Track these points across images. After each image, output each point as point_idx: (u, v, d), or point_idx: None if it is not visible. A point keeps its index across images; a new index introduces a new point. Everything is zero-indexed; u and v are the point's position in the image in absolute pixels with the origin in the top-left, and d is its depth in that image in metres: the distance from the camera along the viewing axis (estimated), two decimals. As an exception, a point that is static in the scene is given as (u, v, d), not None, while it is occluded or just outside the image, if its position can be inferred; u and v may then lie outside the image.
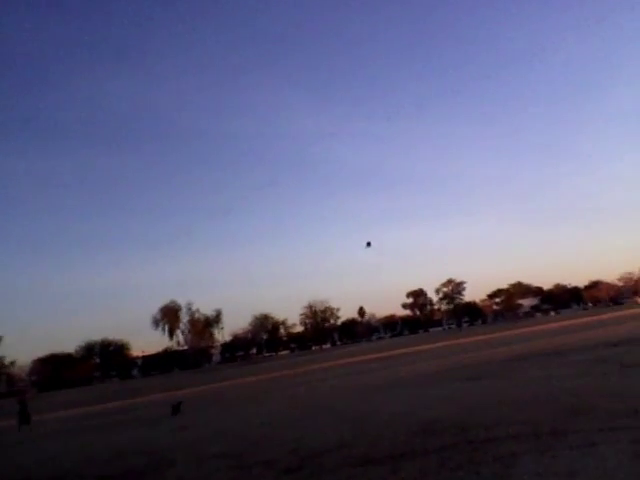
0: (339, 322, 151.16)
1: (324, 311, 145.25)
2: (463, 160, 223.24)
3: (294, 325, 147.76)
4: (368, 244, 31.46)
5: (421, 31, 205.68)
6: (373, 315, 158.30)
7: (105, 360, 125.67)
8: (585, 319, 68.14)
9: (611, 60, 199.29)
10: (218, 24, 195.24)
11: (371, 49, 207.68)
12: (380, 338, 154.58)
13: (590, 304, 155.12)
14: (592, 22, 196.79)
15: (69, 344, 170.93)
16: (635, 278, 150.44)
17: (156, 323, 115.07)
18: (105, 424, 22.12)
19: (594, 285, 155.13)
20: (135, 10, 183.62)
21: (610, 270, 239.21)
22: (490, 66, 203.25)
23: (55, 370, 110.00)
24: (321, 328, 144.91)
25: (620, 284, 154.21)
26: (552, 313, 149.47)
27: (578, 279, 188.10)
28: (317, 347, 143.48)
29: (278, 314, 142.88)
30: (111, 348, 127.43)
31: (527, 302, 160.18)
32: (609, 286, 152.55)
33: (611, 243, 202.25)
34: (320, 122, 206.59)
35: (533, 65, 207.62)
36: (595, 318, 64.92)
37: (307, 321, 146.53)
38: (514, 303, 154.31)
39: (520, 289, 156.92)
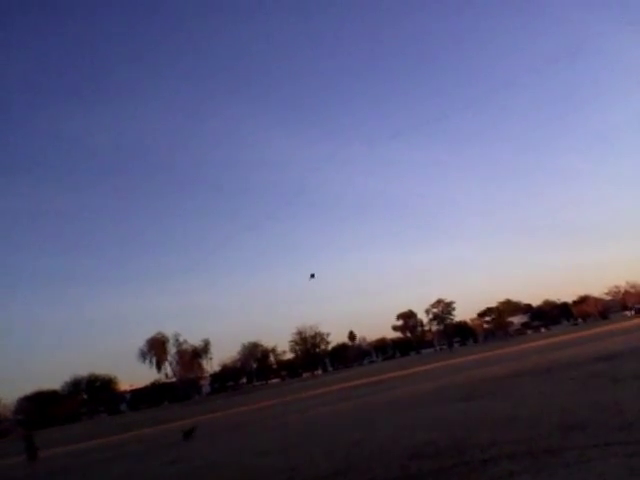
0: (330, 347, 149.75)
1: (314, 336, 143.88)
2: (448, 185, 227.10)
3: (284, 352, 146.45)
4: (312, 276, 31.63)
5: (406, 61, 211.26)
6: (364, 338, 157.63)
7: (92, 395, 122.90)
8: (575, 334, 68.40)
9: (589, 83, 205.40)
10: (206, 56, 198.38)
11: (353, 80, 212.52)
12: (372, 362, 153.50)
13: (580, 319, 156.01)
14: (575, 49, 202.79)
15: (55, 380, 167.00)
16: (622, 291, 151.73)
17: (143, 356, 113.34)
18: (100, 459, 21.55)
19: (583, 300, 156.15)
20: (103, 39, 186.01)
21: (598, 284, 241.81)
22: (471, 95, 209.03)
23: (41, 408, 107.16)
24: (312, 354, 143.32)
25: (608, 298, 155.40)
26: (543, 330, 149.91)
27: (566, 294, 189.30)
28: (308, 374, 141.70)
29: (267, 341, 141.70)
30: (98, 383, 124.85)
31: (517, 319, 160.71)
32: (597, 300, 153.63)
33: (597, 257, 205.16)
34: (309, 150, 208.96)
35: (511, 92, 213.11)
36: (585, 333, 65.21)
37: (297, 347, 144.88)
38: (504, 321, 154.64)
39: (510, 307, 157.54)
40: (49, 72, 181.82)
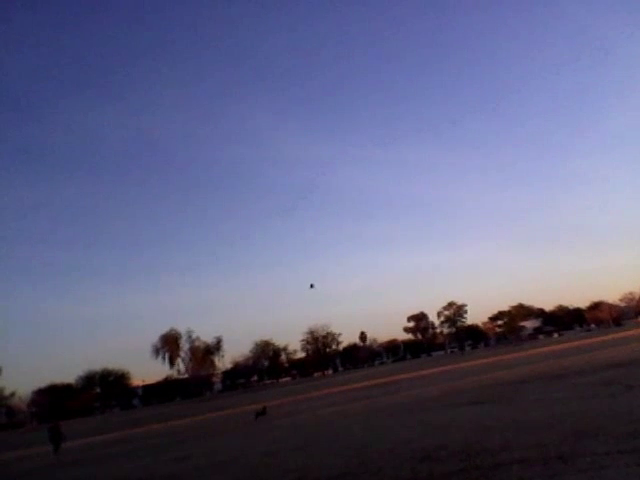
0: (341, 347, 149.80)
1: (325, 336, 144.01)
2: (462, 187, 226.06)
3: (295, 351, 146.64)
4: (311, 286, 32.16)
5: (420, 62, 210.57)
6: (375, 340, 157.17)
7: (105, 390, 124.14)
8: (588, 340, 67.61)
9: (601, 88, 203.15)
10: (219, 53, 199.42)
11: (371, 79, 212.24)
12: (382, 363, 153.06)
13: (593, 325, 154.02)
14: (586, 53, 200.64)
15: (69, 374, 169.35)
16: (637, 298, 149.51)
17: (156, 352, 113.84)
18: (113, 453, 21.88)
19: (596, 306, 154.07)
20: (116, 35, 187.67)
21: (612, 290, 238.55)
22: (483, 98, 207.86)
23: (55, 401, 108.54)
24: (323, 354, 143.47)
25: (622, 304, 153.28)
26: (555, 335, 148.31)
27: (580, 300, 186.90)
28: (319, 373, 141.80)
29: (279, 340, 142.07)
30: (111, 378, 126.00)
31: (529, 324, 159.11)
32: (611, 307, 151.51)
33: (611, 263, 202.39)
34: (320, 149, 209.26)
35: (524, 96, 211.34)
36: (598, 339, 64.44)
37: (308, 347, 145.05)
38: (516, 325, 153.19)
39: (522, 311, 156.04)
40: (63, 65, 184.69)
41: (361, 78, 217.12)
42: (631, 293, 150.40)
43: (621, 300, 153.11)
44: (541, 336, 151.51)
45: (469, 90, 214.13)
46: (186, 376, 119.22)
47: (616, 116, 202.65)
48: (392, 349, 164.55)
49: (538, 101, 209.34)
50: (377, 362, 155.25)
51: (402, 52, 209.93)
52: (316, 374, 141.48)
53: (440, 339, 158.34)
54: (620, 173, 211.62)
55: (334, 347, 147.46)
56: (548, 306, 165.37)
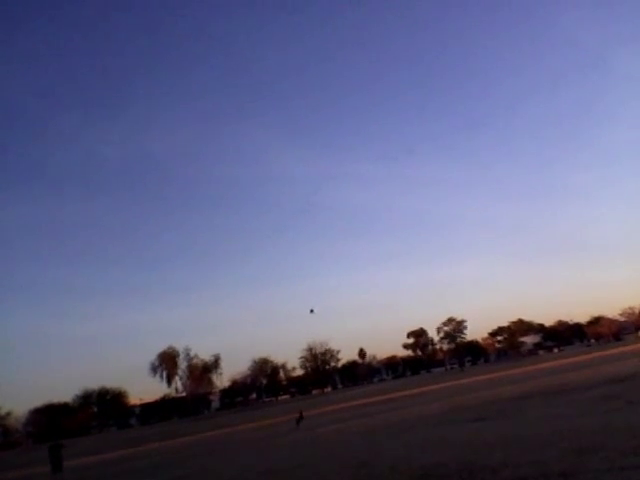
0: (340, 364, 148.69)
1: (324, 353, 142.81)
2: (462, 201, 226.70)
3: (294, 368, 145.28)
4: (311, 311, 32.76)
5: (414, 78, 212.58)
6: (374, 356, 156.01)
7: (103, 409, 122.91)
8: (588, 356, 67.37)
9: (599, 103, 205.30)
10: (217, 72, 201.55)
11: (362, 97, 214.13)
12: (382, 380, 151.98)
13: (593, 340, 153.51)
14: (585, 67, 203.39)
15: (66, 393, 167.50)
16: (637, 313, 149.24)
17: (154, 370, 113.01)
18: (113, 473, 21.61)
19: (596, 321, 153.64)
20: (116, 53, 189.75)
21: (612, 305, 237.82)
22: (482, 113, 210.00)
23: (52, 420, 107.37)
24: (322, 371, 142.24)
25: (622, 319, 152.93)
26: (555, 350, 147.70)
27: (580, 315, 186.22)
28: (318, 391, 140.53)
29: (277, 357, 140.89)
30: (108, 396, 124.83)
31: (529, 339, 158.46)
32: (611, 322, 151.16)
33: (611, 278, 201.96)
34: (317, 166, 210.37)
35: (522, 110, 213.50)
36: (599, 354, 64.22)
37: (307, 364, 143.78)
38: (516, 341, 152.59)
39: (522, 326, 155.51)
40: (63, 83, 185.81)
41: (357, 95, 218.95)
42: (631, 308, 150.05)
43: (621, 315, 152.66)
44: (541, 352, 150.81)
45: (467, 105, 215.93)
46: (184, 394, 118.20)
47: (614, 131, 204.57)
48: (391, 366, 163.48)
49: (537, 116, 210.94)
50: (376, 379, 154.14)
51: (399, 68, 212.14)
52: (315, 391, 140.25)
53: (440, 355, 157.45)
54: (619, 188, 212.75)
55: (333, 364, 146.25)
56: (548, 321, 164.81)
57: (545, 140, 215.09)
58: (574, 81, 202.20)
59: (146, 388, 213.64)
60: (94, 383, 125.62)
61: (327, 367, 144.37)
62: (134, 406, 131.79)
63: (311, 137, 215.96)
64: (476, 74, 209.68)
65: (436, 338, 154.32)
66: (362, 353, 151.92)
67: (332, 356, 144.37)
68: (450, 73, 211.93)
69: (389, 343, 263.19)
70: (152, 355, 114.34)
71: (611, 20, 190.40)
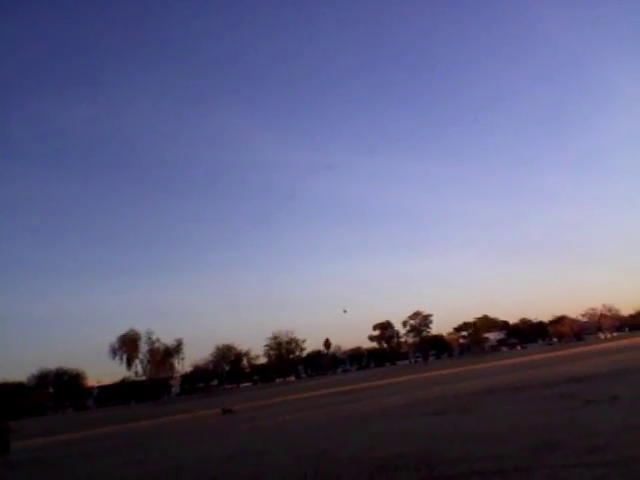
0: (304, 354, 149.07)
1: (289, 342, 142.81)
2: (436, 197, 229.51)
3: (258, 356, 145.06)
4: (344, 311, 33.18)
5: (400, 74, 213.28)
6: (339, 347, 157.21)
7: (59, 390, 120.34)
8: (550, 354, 69.17)
9: (575, 106, 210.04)
10: (199, 56, 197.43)
11: (349, 89, 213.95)
12: (346, 371, 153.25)
13: (555, 339, 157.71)
14: (562, 70, 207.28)
15: (22, 373, 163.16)
16: (598, 314, 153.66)
17: (114, 352, 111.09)
18: (66, 455, 21.05)
19: (559, 320, 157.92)
20: (102, 36, 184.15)
21: (574, 305, 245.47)
22: (463, 110, 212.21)
23: (5, 399, 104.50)
24: (285, 360, 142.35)
25: (584, 319, 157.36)
26: (518, 347, 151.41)
27: (543, 314, 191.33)
28: (281, 379, 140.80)
29: (241, 345, 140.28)
30: (66, 377, 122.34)
31: (493, 336, 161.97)
32: (573, 321, 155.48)
33: (575, 279, 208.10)
34: (291, 155, 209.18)
35: (502, 109, 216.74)
36: (560, 353, 66.00)
37: (271, 352, 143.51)
38: (481, 337, 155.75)
39: (487, 323, 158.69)
40: (44, 62, 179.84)
41: (345, 87, 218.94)
42: (593, 309, 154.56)
43: (583, 315, 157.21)
44: (504, 348, 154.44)
45: (449, 102, 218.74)
46: (144, 378, 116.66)
47: (588, 134, 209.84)
48: (356, 357, 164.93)
49: (515, 116, 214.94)
50: (340, 370, 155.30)
51: (387, 62, 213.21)
52: (278, 380, 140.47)
53: (404, 348, 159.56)
54: (589, 191, 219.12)
55: (297, 353, 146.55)
56: (512, 319, 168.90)
57: (522, 140, 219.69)
58: (552, 83, 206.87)
59: (105, 370, 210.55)
60: (52, 364, 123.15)
61: (291, 356, 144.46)
62: (92, 388, 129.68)
63: (296, 127, 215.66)
64: (459, 74, 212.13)
65: (402, 331, 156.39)
66: (327, 343, 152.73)
67: (297, 345, 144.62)
68: (434, 71, 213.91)
69: (355, 334, 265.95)
70: (113, 337, 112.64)
71: (587, 24, 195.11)
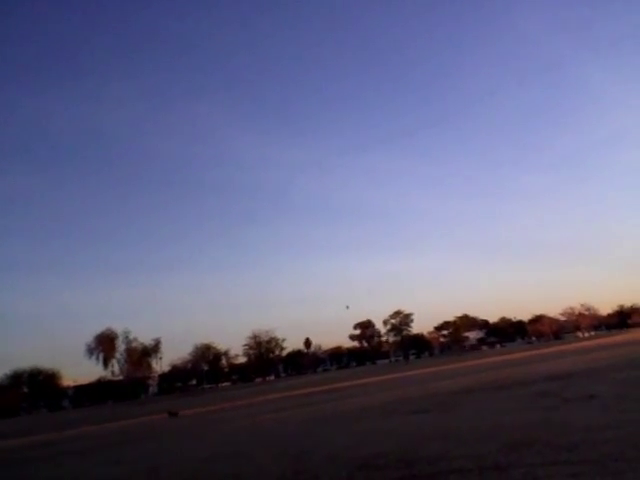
0: (284, 353, 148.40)
1: (269, 341, 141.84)
2: (415, 196, 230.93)
3: (237, 356, 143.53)
4: (347, 307, 33.21)
5: (382, 75, 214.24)
6: (319, 346, 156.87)
7: (34, 390, 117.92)
8: (529, 353, 70.05)
9: (552, 107, 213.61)
10: (193, 48, 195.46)
11: (342, 90, 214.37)
12: (326, 370, 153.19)
13: (534, 338, 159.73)
14: (535, 71, 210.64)
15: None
16: (576, 313, 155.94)
17: (90, 351, 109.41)
18: (44, 456, 20.52)
19: (538, 319, 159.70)
20: (84, 33, 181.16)
21: (553, 305, 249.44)
22: (444, 109, 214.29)
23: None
24: (265, 359, 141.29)
25: (562, 319, 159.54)
26: (498, 346, 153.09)
27: (523, 313, 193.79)
28: (260, 379, 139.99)
29: (220, 344, 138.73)
30: (40, 377, 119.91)
31: (473, 335, 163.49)
32: (552, 320, 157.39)
33: (554, 278, 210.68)
34: (277, 154, 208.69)
35: (481, 110, 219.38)
36: (538, 352, 66.85)
37: (251, 352, 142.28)
38: (461, 336, 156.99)
39: (467, 322, 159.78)
40: (28, 59, 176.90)
41: (334, 87, 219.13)
42: (571, 308, 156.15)
43: (562, 314, 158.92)
44: (484, 347, 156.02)
45: (434, 102, 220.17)
46: (121, 378, 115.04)
47: (565, 136, 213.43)
48: (337, 356, 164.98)
49: (493, 116, 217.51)
50: (320, 369, 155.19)
51: (370, 62, 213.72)
52: (257, 380, 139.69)
53: (385, 347, 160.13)
54: (566, 192, 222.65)
55: (277, 353, 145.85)
56: (492, 318, 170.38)
57: (501, 139, 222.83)
58: (531, 84, 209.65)
59: (81, 370, 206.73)
60: (26, 363, 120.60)
61: (271, 355, 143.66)
62: (67, 388, 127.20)
63: (279, 125, 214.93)
64: (441, 75, 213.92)
65: (383, 330, 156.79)
66: (308, 343, 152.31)
67: (277, 345, 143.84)
68: (417, 72, 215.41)
69: (335, 334, 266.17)
70: (89, 336, 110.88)
71: (567, 25, 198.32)
